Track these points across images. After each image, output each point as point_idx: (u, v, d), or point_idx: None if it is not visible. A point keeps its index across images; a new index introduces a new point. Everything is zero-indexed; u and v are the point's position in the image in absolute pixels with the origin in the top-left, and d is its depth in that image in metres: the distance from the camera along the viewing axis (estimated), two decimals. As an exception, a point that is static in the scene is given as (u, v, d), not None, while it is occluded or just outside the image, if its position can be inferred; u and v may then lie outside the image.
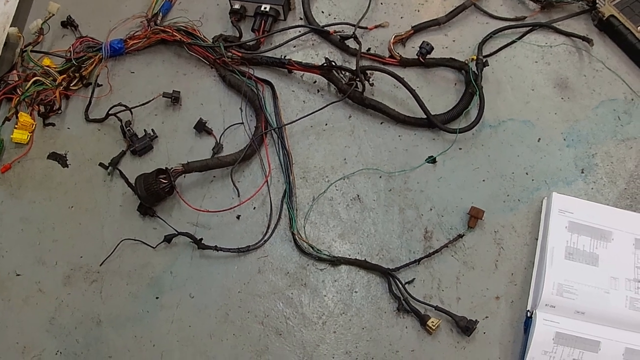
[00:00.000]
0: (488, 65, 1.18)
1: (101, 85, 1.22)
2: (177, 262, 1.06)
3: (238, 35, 1.22)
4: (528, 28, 1.24)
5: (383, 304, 1.02)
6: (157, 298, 1.04)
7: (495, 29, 1.23)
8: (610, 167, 1.12)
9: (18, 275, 1.07)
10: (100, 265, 1.07)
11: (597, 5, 1.24)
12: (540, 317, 0.97)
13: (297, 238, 1.06)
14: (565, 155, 1.13)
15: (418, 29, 1.23)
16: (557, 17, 1.26)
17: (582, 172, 1.11)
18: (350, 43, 1.21)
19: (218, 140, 1.14)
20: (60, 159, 1.16)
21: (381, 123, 1.16)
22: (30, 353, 1.02)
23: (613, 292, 1.00)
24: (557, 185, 1.10)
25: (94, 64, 1.21)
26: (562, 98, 1.18)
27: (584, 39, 1.22)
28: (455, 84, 1.19)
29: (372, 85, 1.15)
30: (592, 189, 1.10)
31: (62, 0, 1.27)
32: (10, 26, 1.24)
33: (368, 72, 1.14)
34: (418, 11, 1.27)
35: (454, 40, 1.24)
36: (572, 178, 1.11)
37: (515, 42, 1.23)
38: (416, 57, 1.19)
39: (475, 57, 1.19)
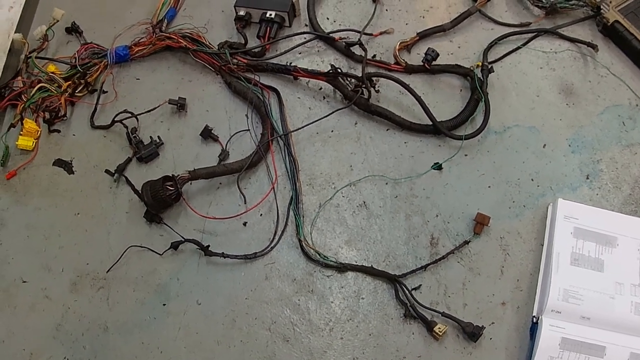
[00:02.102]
0: (493, 72, 1.18)
1: (106, 92, 1.22)
2: (184, 268, 1.07)
3: (243, 42, 1.22)
4: (533, 34, 1.24)
5: (390, 310, 1.02)
6: (164, 305, 1.04)
7: (500, 35, 1.24)
8: (615, 172, 1.12)
9: (24, 282, 1.08)
10: (107, 272, 1.07)
11: (602, 10, 1.25)
12: (546, 322, 0.98)
13: (304, 245, 1.06)
14: (570, 161, 1.13)
15: (423, 36, 1.23)
16: (561, 23, 1.26)
17: (587, 178, 1.12)
18: (356, 50, 1.22)
19: (224, 147, 1.14)
20: (65, 165, 1.16)
21: (387, 130, 1.16)
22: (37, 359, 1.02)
23: (618, 297, 1.00)
24: (562, 191, 1.10)
25: (99, 71, 1.22)
26: (567, 104, 1.18)
27: (588, 44, 1.22)
28: (461, 90, 1.19)
29: (377, 92, 1.16)
30: (597, 194, 1.10)
31: (66, 6, 1.27)
32: (15, 32, 1.24)
33: (374, 78, 1.14)
34: (423, 17, 1.27)
35: (459, 47, 1.24)
36: (577, 184, 1.11)
37: (520, 48, 1.23)
38: (422, 63, 1.19)
39: (480, 64, 1.19)
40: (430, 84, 1.20)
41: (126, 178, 1.11)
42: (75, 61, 1.21)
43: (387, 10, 1.28)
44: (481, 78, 1.16)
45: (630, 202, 1.10)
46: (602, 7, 1.25)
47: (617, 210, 1.08)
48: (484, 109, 1.14)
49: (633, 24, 1.23)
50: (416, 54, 1.23)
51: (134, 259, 1.08)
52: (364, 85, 1.13)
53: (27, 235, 1.11)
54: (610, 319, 0.99)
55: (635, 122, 1.17)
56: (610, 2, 1.26)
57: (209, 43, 1.22)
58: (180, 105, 1.17)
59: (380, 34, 1.24)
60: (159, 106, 1.18)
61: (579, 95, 1.19)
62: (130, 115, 1.16)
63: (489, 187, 1.11)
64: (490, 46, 1.22)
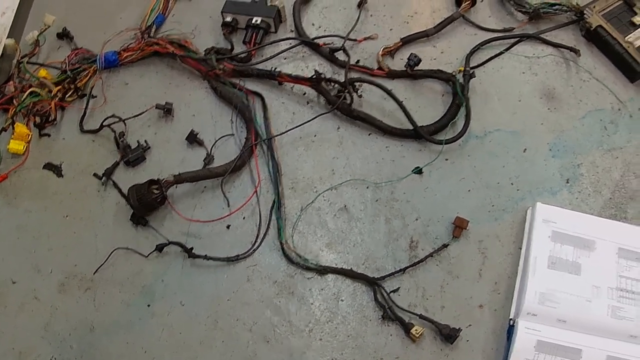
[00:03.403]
0: (475, 77, 1.19)
1: (96, 96, 1.24)
2: (168, 270, 1.09)
3: (230, 48, 1.24)
4: (516, 39, 1.25)
5: (368, 312, 1.04)
6: (148, 306, 1.07)
7: (483, 40, 1.25)
8: (595, 177, 1.13)
9: (14, 282, 1.10)
10: (94, 273, 1.09)
11: (585, 15, 1.26)
12: (522, 325, 0.99)
13: (285, 247, 1.08)
14: (550, 166, 1.14)
15: (407, 41, 1.24)
16: (545, 28, 1.27)
17: (567, 182, 1.13)
18: (340, 55, 1.23)
19: (209, 152, 1.17)
20: (55, 169, 1.19)
21: (369, 134, 1.18)
22: (25, 358, 1.05)
23: (595, 300, 1.02)
24: (542, 195, 1.12)
25: (89, 76, 1.24)
26: (548, 108, 1.19)
27: (571, 49, 1.23)
28: (443, 95, 1.21)
29: (360, 97, 1.18)
30: (577, 198, 1.11)
31: (58, 12, 1.30)
32: (7, 37, 1.27)
33: (356, 84, 1.16)
34: (407, 23, 1.29)
35: (442, 52, 1.25)
36: (557, 188, 1.12)
37: (503, 53, 1.24)
38: (404, 69, 1.21)
39: (463, 69, 1.20)
40: (413, 89, 1.22)
41: (113, 182, 1.14)
42: (66, 66, 1.23)
43: (371, 16, 1.30)
44: (463, 83, 1.18)
45: (610, 206, 1.11)
46: (585, 12, 1.26)
47: (596, 214, 1.09)
48: (465, 114, 1.15)
49: (616, 29, 1.24)
50: (400, 60, 1.24)
51: (120, 260, 1.10)
52: (346, 91, 1.15)
53: (17, 237, 1.14)
54: (587, 322, 1.00)
55: (617, 126, 1.18)
56: (594, 7, 1.27)
57: (197, 49, 1.24)
58: (167, 110, 1.19)
59: (364, 39, 1.25)
60: (146, 111, 1.20)
61: (561, 99, 1.20)
62: (118, 119, 1.19)
63: (469, 191, 1.12)
64: (473, 51, 1.24)
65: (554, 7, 1.27)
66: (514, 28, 1.27)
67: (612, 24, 1.25)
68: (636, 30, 1.25)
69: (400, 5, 1.31)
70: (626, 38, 1.23)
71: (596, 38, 1.25)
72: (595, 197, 1.12)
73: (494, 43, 1.26)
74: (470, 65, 1.22)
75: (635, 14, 1.26)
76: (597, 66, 1.24)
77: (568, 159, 1.15)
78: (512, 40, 1.25)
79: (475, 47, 1.24)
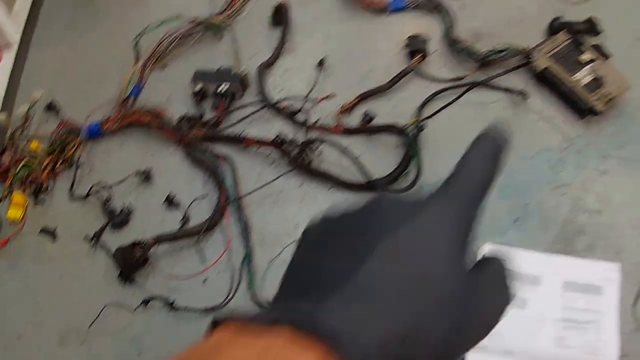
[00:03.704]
0: (426, 128, 1.28)
1: (83, 165, 1.35)
2: (154, 322, 1.20)
3: (200, 115, 1.35)
4: (466, 87, 1.32)
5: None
6: (139, 354, 1.19)
7: (435, 91, 1.33)
8: (543, 214, 1.21)
9: (19, 338, 1.23)
10: (89, 327, 1.21)
11: (532, 58, 1.34)
12: (471, 357, 1.09)
13: (256, 297, 1.20)
14: (499, 207, 1.22)
15: (363, 98, 1.33)
16: (494, 74, 1.34)
17: (516, 222, 1.21)
18: (301, 115, 1.33)
19: (185, 213, 1.28)
20: (50, 234, 1.31)
21: (329, 189, 1.28)
22: (31, 407, 1.18)
23: (540, 332, 1.10)
24: (492, 235, 1.19)
25: (76, 146, 1.35)
26: (498, 152, 1.28)
27: (519, 93, 1.31)
28: (397, 147, 1.30)
29: (319, 155, 1.28)
30: (525, 236, 1.19)
31: (45, 84, 1.42)
32: (0, 112, 1.39)
33: (314, 143, 1.27)
34: (364, 80, 1.37)
35: (396, 105, 1.34)
36: (506, 228, 1.20)
37: (453, 102, 1.31)
38: (359, 125, 1.31)
39: (415, 120, 1.29)
40: (369, 143, 1.31)
41: (101, 244, 1.26)
42: (54, 138, 1.35)
43: (330, 76, 1.40)
44: (414, 135, 1.27)
45: (558, 242, 1.19)
46: (532, 55, 1.34)
47: (544, 250, 1.17)
48: (417, 165, 1.25)
49: (563, 69, 1.32)
50: (357, 116, 1.34)
51: (111, 315, 1.22)
52: (305, 150, 1.26)
53: (20, 297, 1.26)
54: (532, 352, 1.09)
55: (565, 163, 1.26)
56: (542, 49, 1.35)
57: (171, 116, 1.35)
58: (146, 176, 1.31)
59: (323, 99, 1.35)
60: (127, 177, 1.32)
61: (511, 142, 1.28)
62: (103, 187, 1.31)
63: (423, 236, 1.22)
64: (425, 103, 1.32)
65: (502, 53, 1.36)
66: (465, 77, 1.35)
67: (560, 64, 1.33)
68: (583, 69, 1.33)
69: (356, 64, 1.40)
70: (572, 77, 1.32)
71: (544, 79, 1.33)
72: (543, 234, 1.20)
73: (445, 93, 1.34)
74: (423, 116, 1.30)
75: (582, 52, 1.34)
76: (546, 106, 1.32)
77: (517, 199, 1.23)
78: (463, 89, 1.33)
79: (426, 98, 1.33)
